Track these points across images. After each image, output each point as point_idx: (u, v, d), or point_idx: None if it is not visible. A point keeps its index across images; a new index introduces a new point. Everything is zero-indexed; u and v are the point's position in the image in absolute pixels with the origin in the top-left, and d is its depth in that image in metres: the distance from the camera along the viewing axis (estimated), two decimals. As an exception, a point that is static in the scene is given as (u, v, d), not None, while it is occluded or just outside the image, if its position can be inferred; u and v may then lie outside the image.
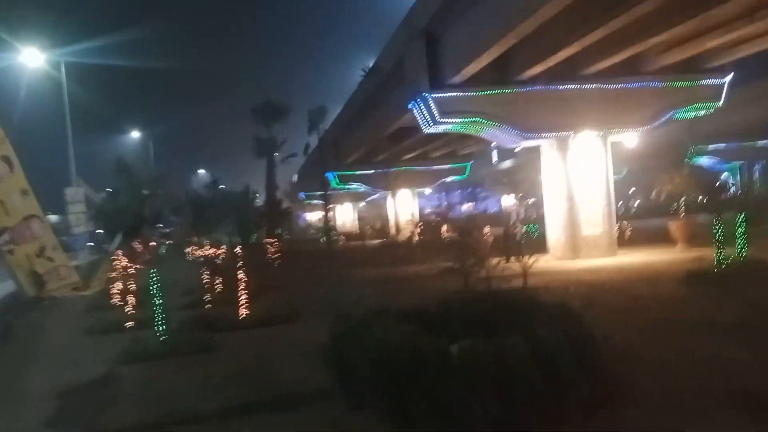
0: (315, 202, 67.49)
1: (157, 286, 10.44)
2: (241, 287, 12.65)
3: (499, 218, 50.97)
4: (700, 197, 22.41)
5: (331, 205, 39.28)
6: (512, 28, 15.57)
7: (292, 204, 62.85)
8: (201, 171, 64.96)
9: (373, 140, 35.07)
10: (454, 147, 41.93)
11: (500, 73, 19.31)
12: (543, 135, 20.68)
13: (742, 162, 50.04)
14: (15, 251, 6.65)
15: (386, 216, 51.20)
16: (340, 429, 6.22)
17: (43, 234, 6.76)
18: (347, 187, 46.24)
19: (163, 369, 9.20)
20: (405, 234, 38.79)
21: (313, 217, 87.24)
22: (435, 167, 44.26)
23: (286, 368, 8.77)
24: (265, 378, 8.34)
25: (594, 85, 20.10)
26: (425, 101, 19.83)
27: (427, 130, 20.98)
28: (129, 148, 45.95)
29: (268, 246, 25.04)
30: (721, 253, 13.95)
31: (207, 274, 16.77)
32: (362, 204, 69.16)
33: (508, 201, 73.81)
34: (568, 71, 19.47)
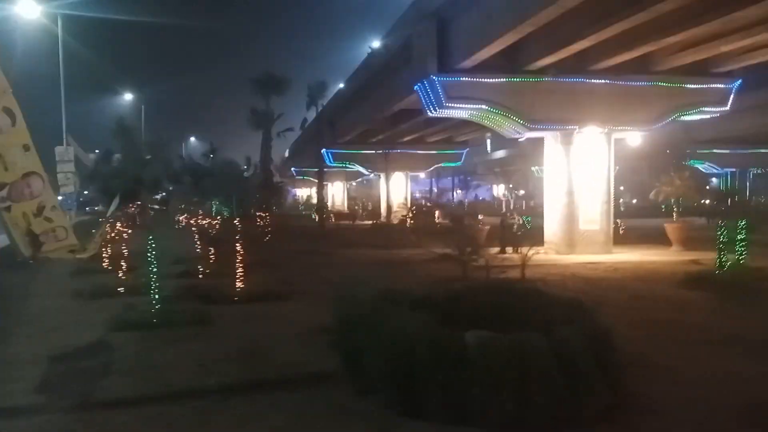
0: (305, 178, 67.08)
1: (154, 253, 10.12)
2: (238, 260, 12.36)
3: (491, 207, 50.99)
4: (698, 201, 22.45)
5: (319, 184, 38.89)
6: (531, 15, 15.25)
7: (281, 179, 62.35)
8: (192, 138, 64.08)
9: (372, 120, 34.64)
10: (451, 133, 41.64)
11: (510, 61, 19.01)
12: (548, 127, 20.44)
13: (734, 169, 50.34)
14: (12, 209, 6.32)
15: (377, 197, 50.99)
16: (346, 411, 6.00)
17: (43, 193, 6.43)
18: (341, 165, 45.85)
19: (157, 339, 8.92)
20: (397, 216, 38.63)
21: (302, 193, 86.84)
22: (431, 152, 43.98)
23: (284, 347, 8.54)
24: (264, 356, 8.10)
25: (603, 80, 19.86)
26: (432, 84, 19.49)
27: (432, 114, 20.65)
28: (121, 109, 45.06)
29: (260, 220, 24.68)
30: (723, 257, 13.87)
31: (200, 244, 16.49)
32: (353, 184, 68.81)
33: (499, 191, 74.04)
34: (578, 65, 19.21)
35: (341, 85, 37.74)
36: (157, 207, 13.43)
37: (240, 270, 12.27)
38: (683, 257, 18.72)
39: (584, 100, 20.03)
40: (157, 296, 10.15)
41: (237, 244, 12.49)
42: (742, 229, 14.62)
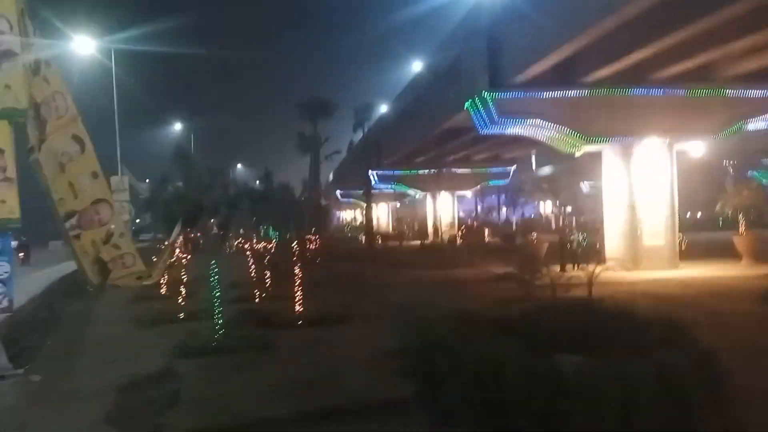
0: (351, 201, 67.27)
1: (216, 278, 9.97)
2: (297, 283, 12.14)
3: (540, 224, 50.03)
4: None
5: (367, 205, 38.77)
6: (588, 27, 14.82)
7: (326, 201, 62.62)
8: (239, 165, 65.15)
9: (418, 141, 34.43)
10: (497, 151, 41.10)
11: (564, 74, 18.55)
12: (606, 140, 19.78)
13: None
14: (81, 236, 6.24)
15: (423, 217, 50.59)
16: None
17: (111, 220, 6.36)
18: (387, 186, 45.67)
19: (221, 367, 8.69)
20: (446, 236, 38.15)
21: (346, 215, 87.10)
22: (478, 170, 43.44)
23: (352, 373, 8.18)
24: (333, 383, 7.76)
25: (662, 90, 19.15)
26: (483, 101, 19.14)
27: (484, 131, 20.26)
28: (171, 139, 46.10)
29: (312, 243, 24.60)
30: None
31: (255, 268, 16.39)
32: (398, 204, 68.66)
33: (546, 208, 72.77)
34: (635, 75, 18.59)
35: (387, 107, 37.75)
36: (214, 232, 13.42)
37: (299, 293, 12.04)
38: (758, 271, 17.71)
39: (643, 110, 19.32)
40: (219, 322, 9.98)
41: (295, 267, 12.28)
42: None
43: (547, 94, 18.96)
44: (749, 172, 36.82)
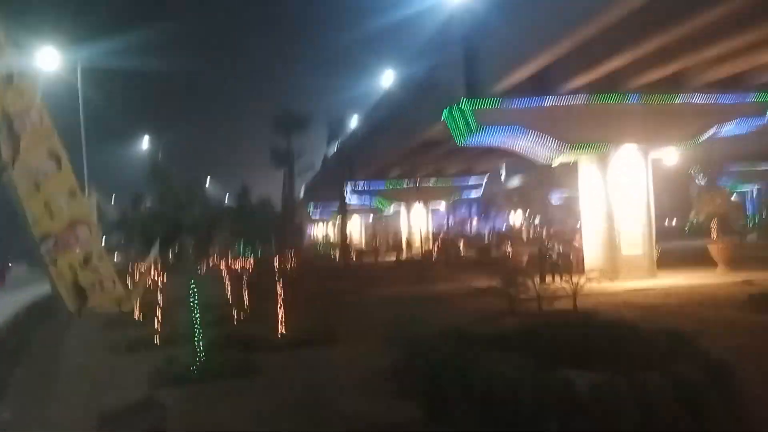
0: (321, 217, 66.57)
1: (195, 301, 9.50)
2: (279, 303, 11.71)
3: (519, 236, 50.10)
4: (741, 219, 21.60)
5: (342, 220, 38.27)
6: (562, 37, 14.84)
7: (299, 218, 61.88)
8: (208, 181, 64.02)
9: (392, 154, 34.22)
10: (470, 163, 41.17)
11: (542, 83, 18.54)
12: (584, 147, 19.80)
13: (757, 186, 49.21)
14: (58, 260, 5.78)
15: (397, 231, 50.27)
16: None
17: (90, 242, 5.92)
18: (363, 200, 45.28)
19: (205, 395, 8.24)
20: (422, 250, 37.89)
21: (317, 231, 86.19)
22: (451, 183, 43.43)
23: (347, 395, 7.82)
24: (329, 407, 7.39)
25: (637, 98, 19.30)
26: (461, 111, 19.01)
27: (461, 142, 20.09)
28: (140, 156, 44.98)
29: (288, 261, 24.06)
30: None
31: (232, 288, 15.86)
32: (370, 218, 68.20)
33: (516, 219, 73.21)
34: (611, 84, 18.70)
35: (360, 120, 37.47)
36: (187, 251, 12.78)
37: (282, 314, 11.61)
38: (734, 278, 17.79)
39: (619, 119, 19.42)
40: (200, 347, 9.50)
41: (278, 286, 11.86)
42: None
43: (525, 104, 18.90)
44: (720, 180, 37.42)
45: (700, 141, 20.66)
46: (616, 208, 19.92)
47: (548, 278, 19.03)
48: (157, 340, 11.86)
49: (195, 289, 9.65)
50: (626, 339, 6.80)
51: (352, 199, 43.50)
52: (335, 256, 40.90)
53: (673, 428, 4.82)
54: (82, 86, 28.58)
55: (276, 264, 12.93)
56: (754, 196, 50.48)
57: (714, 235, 21.80)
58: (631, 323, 7.53)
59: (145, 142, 46.25)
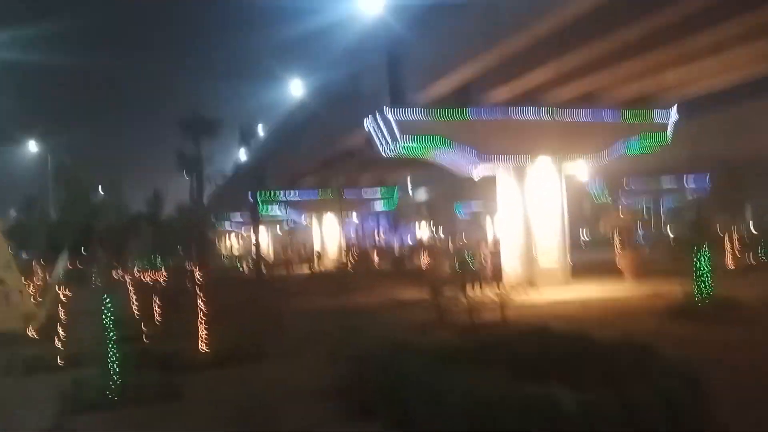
0: (227, 227, 64.21)
1: (111, 316, 8.49)
2: (200, 318, 10.80)
3: (436, 247, 50.47)
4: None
5: (254, 230, 36.97)
6: (482, 51, 15.06)
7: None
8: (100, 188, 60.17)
9: (307, 163, 33.53)
10: (383, 175, 41.17)
11: (465, 94, 18.71)
12: (501, 158, 20.14)
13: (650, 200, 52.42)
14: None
15: (309, 242, 49.32)
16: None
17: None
18: (270, 210, 43.87)
19: (125, 423, 7.32)
20: (335, 262, 37.29)
21: (222, 243, 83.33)
22: (365, 195, 43.11)
23: (290, 419, 7.13)
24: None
25: (553, 112, 19.90)
26: (385, 119, 18.77)
27: (385, 152, 19.81)
28: (27, 161, 41.56)
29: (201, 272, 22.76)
30: (704, 287, 13.50)
31: (137, 302, 14.60)
32: (278, 229, 66.66)
33: (424, 231, 74.26)
34: (529, 98, 19.22)
35: (270, 129, 36.47)
36: (101, 261, 11.64)
37: (203, 329, 10.70)
38: (644, 289, 18.48)
39: (535, 132, 19.95)
40: (115, 368, 8.48)
41: (197, 299, 10.95)
42: (705, 258, 14.29)
43: (448, 115, 18.96)
44: (622, 195, 39.30)
45: (609, 156, 21.53)
46: (533, 220, 20.35)
47: (469, 289, 19.06)
48: (60, 360, 10.60)
49: (109, 303, 8.64)
50: (587, 351, 6.66)
51: (265, 209, 42.14)
52: (244, 268, 39.45)
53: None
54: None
55: (196, 274, 11.96)
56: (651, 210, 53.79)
57: (619, 247, 22.75)
58: (587, 335, 7.39)
59: (32, 145, 42.63)
